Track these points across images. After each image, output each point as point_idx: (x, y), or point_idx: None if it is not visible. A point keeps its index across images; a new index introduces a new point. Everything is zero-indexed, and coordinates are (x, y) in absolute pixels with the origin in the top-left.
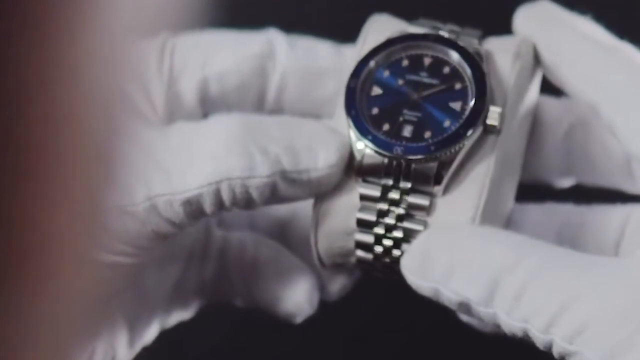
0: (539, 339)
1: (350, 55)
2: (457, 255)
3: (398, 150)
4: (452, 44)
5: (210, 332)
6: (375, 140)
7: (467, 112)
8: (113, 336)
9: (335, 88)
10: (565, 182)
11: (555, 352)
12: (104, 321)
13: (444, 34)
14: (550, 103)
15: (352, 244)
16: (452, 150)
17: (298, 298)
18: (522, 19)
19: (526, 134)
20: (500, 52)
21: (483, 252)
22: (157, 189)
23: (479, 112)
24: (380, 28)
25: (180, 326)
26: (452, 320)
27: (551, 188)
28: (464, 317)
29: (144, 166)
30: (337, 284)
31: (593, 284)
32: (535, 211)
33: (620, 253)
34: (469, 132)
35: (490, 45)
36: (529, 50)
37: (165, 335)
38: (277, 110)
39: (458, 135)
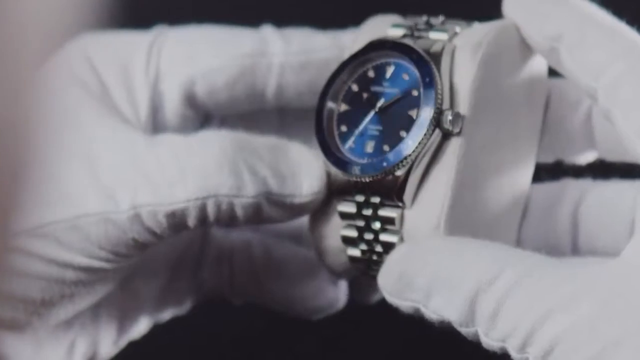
0: (516, 358)
1: (349, 41)
2: (435, 274)
3: (356, 170)
4: (406, 50)
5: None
6: (337, 162)
7: (417, 120)
8: (97, 331)
9: None
10: (588, 158)
11: None
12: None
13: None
14: (568, 83)
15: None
16: (404, 162)
17: (329, 291)
18: (511, 3)
19: (535, 116)
20: (462, 47)
21: (460, 270)
22: (142, 199)
23: (427, 117)
24: (365, 36)
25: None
26: None
27: (570, 166)
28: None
29: (131, 175)
30: (375, 291)
31: (566, 298)
32: (551, 189)
33: (635, 230)
34: (418, 141)
35: (459, 40)
36: (501, 35)
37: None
38: (282, 107)
39: (407, 147)
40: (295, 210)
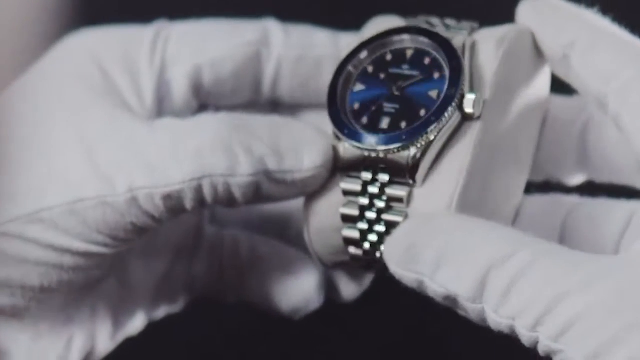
0: (525, 336)
1: (347, 43)
2: (445, 247)
3: (372, 141)
4: (432, 35)
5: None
6: (350, 134)
7: (440, 100)
8: (93, 326)
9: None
10: (578, 179)
11: (541, 349)
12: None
13: (431, 27)
14: (564, 102)
15: (342, 241)
16: (424, 138)
17: (305, 290)
18: (526, 10)
19: (534, 130)
20: (484, 41)
21: (473, 246)
22: (139, 182)
23: (451, 98)
24: (379, 24)
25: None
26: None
27: (559, 183)
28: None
29: (127, 158)
30: (353, 288)
31: (582, 282)
32: (541, 201)
33: (620, 249)
34: (441, 118)
35: (478, 36)
36: (521, 38)
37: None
38: (275, 99)
39: (429, 122)
40: (298, 186)
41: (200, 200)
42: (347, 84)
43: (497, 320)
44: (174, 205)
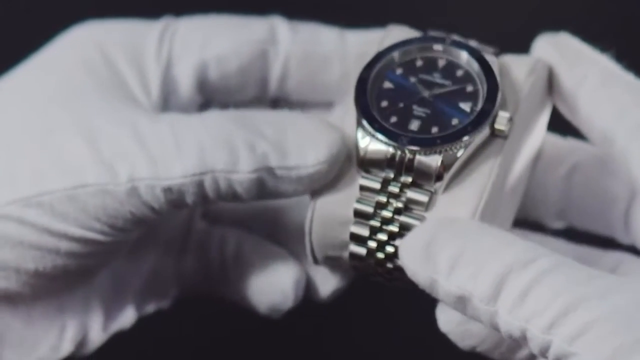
0: (537, 339)
1: (354, 41)
2: (465, 248)
3: (404, 140)
4: (468, 48)
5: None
6: (381, 130)
7: (476, 113)
8: (86, 316)
9: (340, 74)
10: (558, 224)
11: (552, 354)
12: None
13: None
14: (555, 141)
15: (346, 236)
16: (457, 146)
17: (281, 287)
18: (544, 44)
19: (532, 165)
20: (516, 65)
21: (493, 250)
22: (140, 172)
23: (488, 113)
24: (401, 31)
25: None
26: None
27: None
28: (443, 326)
29: (130, 148)
30: (330, 286)
31: (600, 290)
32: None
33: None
34: (476, 130)
35: (506, 59)
36: (544, 70)
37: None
38: (282, 96)
39: (465, 131)
40: (304, 182)
41: (202, 196)
42: (377, 80)
43: (510, 322)
44: (174, 198)
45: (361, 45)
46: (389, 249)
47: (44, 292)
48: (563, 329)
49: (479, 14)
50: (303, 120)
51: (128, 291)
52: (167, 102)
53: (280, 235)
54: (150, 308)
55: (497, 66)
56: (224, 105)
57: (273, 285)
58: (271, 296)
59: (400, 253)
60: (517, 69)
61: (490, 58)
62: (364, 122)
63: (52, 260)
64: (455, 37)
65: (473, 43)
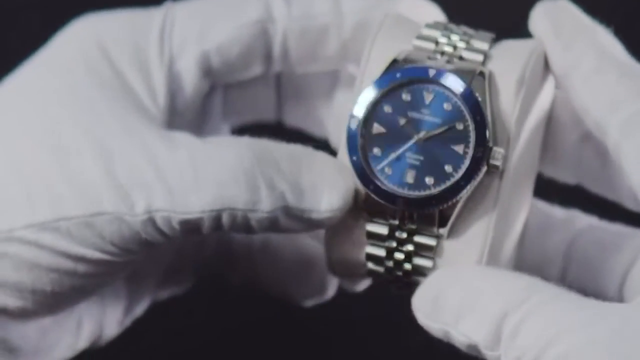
0: None
1: (350, 8)
2: (465, 298)
3: (400, 202)
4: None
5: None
6: (377, 191)
7: (467, 160)
8: (103, 314)
9: (338, 43)
10: (570, 180)
11: None
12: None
13: (454, 42)
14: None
15: (364, 270)
16: (453, 200)
17: (321, 279)
18: (539, 19)
19: (540, 136)
20: (504, 77)
21: (489, 295)
22: (157, 204)
23: (480, 160)
24: (387, 42)
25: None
26: None
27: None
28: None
29: (147, 176)
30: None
31: (583, 321)
32: (558, 215)
33: (626, 282)
34: (469, 184)
35: (496, 63)
36: (538, 63)
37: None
38: (285, 71)
39: (459, 187)
40: (313, 224)
41: (217, 227)
42: (366, 126)
43: None
44: (190, 228)
45: (358, 12)
46: (408, 279)
47: (60, 308)
48: None
49: (479, 3)
50: (318, 159)
51: (146, 283)
52: (173, 101)
53: None
54: (166, 294)
55: (487, 87)
56: (228, 86)
57: (313, 278)
58: (311, 288)
59: (413, 309)
60: (505, 84)
61: (479, 71)
62: (359, 183)
63: (69, 280)
64: (444, 28)
65: (469, 30)
